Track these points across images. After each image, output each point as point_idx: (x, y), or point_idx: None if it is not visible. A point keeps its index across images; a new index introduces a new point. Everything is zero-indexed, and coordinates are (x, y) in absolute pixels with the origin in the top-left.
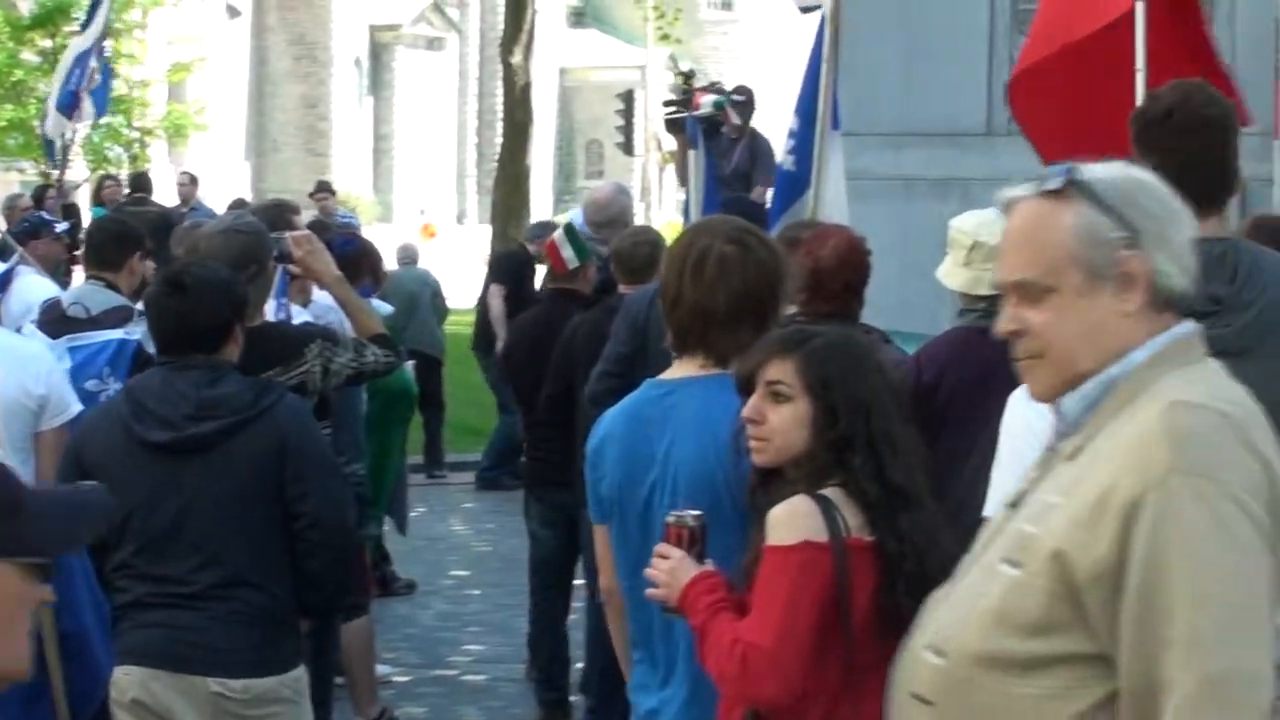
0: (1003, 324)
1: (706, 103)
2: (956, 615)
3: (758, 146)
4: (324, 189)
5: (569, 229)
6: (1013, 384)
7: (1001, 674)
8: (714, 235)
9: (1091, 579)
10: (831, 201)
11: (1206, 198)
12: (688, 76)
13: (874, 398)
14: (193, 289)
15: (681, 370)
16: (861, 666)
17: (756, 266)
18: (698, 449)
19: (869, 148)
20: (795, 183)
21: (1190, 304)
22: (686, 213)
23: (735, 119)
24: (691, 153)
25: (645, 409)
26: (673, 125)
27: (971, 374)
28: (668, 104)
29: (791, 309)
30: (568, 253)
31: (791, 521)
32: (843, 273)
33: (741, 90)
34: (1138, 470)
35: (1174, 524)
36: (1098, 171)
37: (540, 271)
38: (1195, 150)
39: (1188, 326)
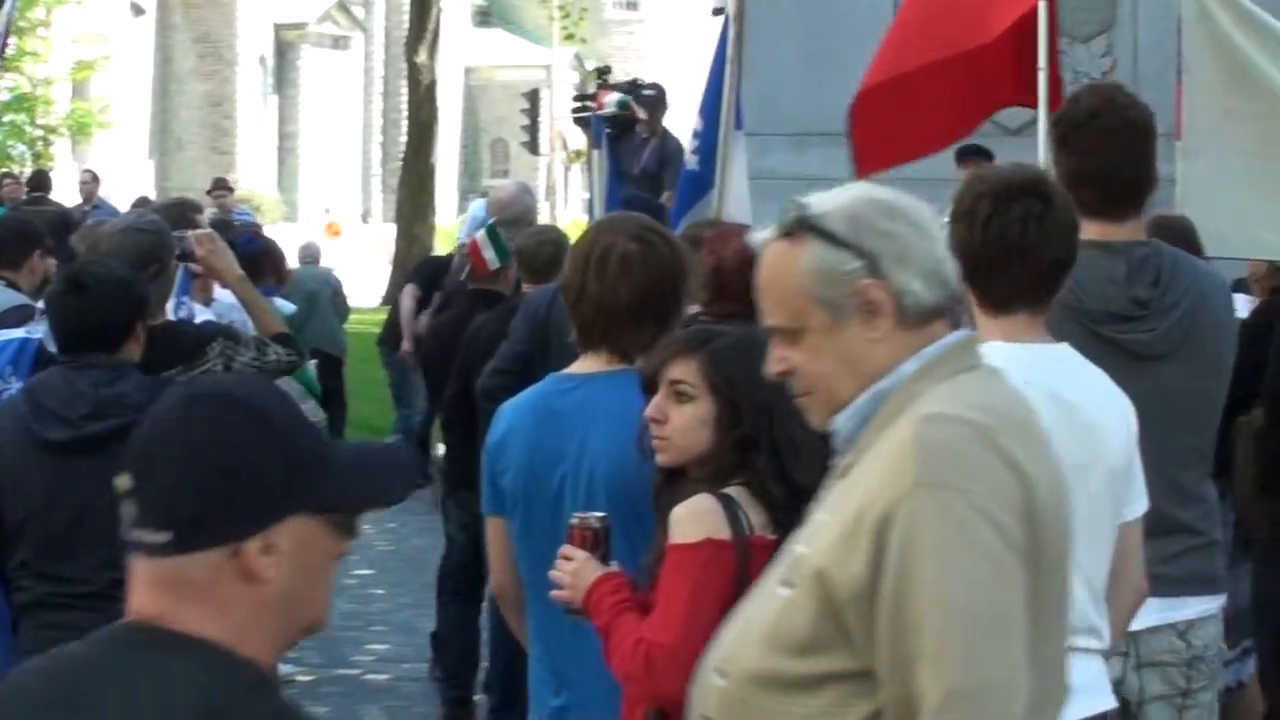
0: (771, 365)
1: (610, 102)
2: (739, 636)
3: (668, 149)
4: (221, 186)
5: (492, 231)
6: None
7: (776, 693)
8: (617, 232)
9: (850, 596)
10: (735, 201)
11: (1128, 200)
12: (602, 73)
13: (777, 398)
14: (93, 288)
15: (587, 366)
16: None
17: (659, 263)
18: (615, 444)
19: (773, 148)
20: (699, 182)
21: (1110, 306)
22: (591, 211)
23: (642, 115)
24: (595, 152)
25: (553, 402)
26: (582, 122)
27: None
28: (577, 98)
29: (694, 309)
30: (489, 254)
31: (694, 519)
32: (746, 273)
33: (653, 86)
34: (889, 486)
35: (920, 538)
36: (829, 203)
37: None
38: (1118, 153)
39: (959, 335)
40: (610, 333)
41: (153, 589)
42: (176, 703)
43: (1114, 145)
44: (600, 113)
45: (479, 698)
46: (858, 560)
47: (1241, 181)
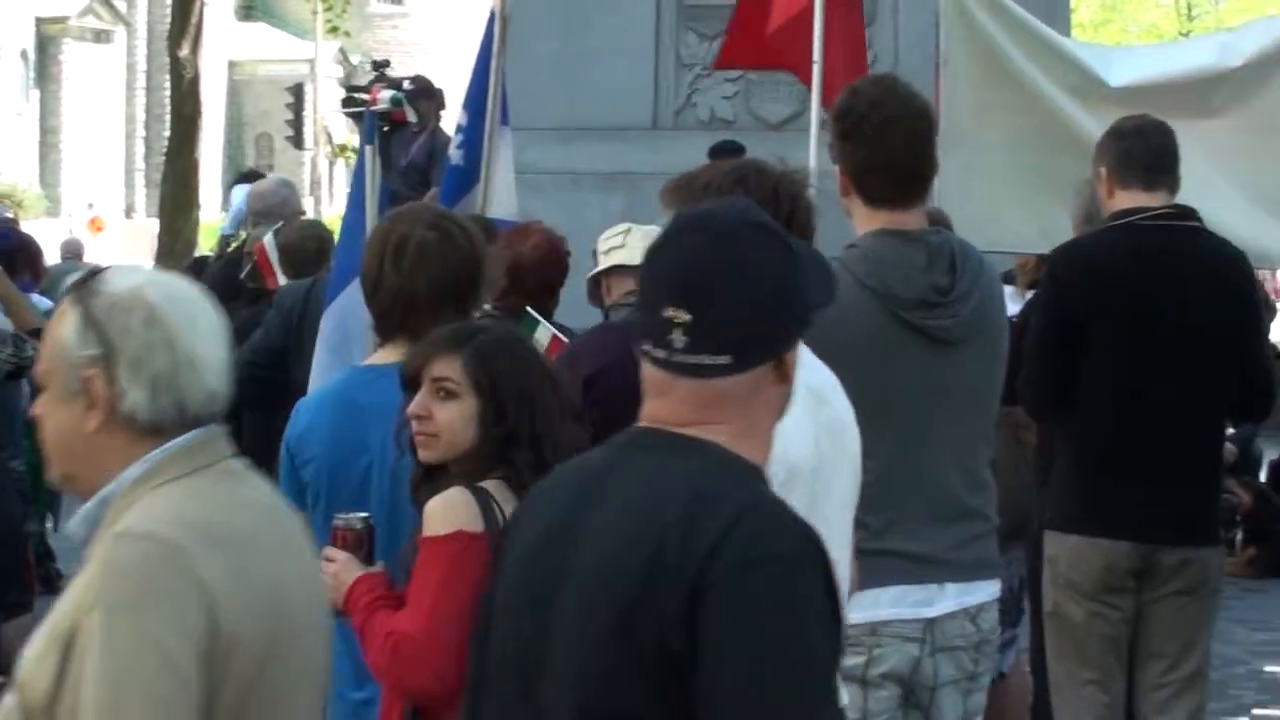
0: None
1: (384, 98)
2: None
3: (437, 143)
4: None
5: (277, 235)
6: None
7: None
8: (414, 221)
9: (39, 710)
10: (500, 196)
11: (916, 188)
12: (379, 66)
13: (539, 393)
14: None
15: (387, 356)
16: None
17: (456, 252)
18: None
19: (535, 141)
20: (464, 177)
21: (914, 293)
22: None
23: (411, 117)
24: (368, 148)
25: (354, 394)
26: (355, 116)
27: (632, 370)
28: (350, 89)
29: (485, 304)
30: (275, 256)
31: (446, 512)
32: (542, 270)
33: (417, 80)
34: (78, 603)
35: (90, 663)
36: (114, 283)
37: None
38: (905, 141)
39: (192, 435)
40: (408, 322)
41: (683, 403)
42: (674, 489)
43: (901, 134)
44: (375, 109)
45: None
46: (46, 675)
47: (995, 175)
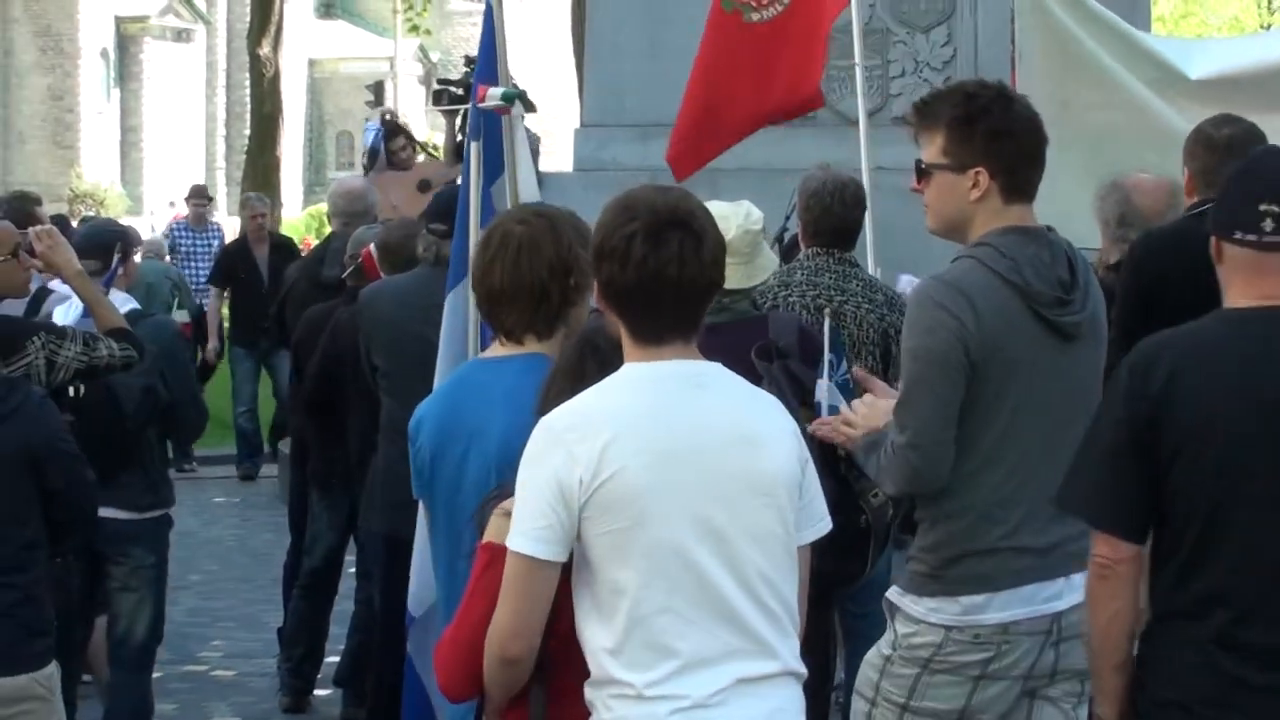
0: None
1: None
2: None
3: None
4: (199, 194)
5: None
6: None
7: None
8: (512, 216)
9: None
10: (525, 184)
11: (1036, 185)
12: (471, 61)
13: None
14: None
15: (493, 350)
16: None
17: (532, 243)
18: (506, 424)
19: (616, 138)
20: (487, 167)
21: (1049, 289)
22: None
23: (536, 108)
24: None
25: (464, 384)
26: (449, 111)
27: None
28: (443, 82)
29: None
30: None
31: (492, 521)
32: None
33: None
34: None
35: None
36: None
37: None
38: (1040, 134)
39: None
40: (492, 313)
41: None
42: None
43: (1037, 127)
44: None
45: (325, 692)
46: None
47: (1076, 173)
